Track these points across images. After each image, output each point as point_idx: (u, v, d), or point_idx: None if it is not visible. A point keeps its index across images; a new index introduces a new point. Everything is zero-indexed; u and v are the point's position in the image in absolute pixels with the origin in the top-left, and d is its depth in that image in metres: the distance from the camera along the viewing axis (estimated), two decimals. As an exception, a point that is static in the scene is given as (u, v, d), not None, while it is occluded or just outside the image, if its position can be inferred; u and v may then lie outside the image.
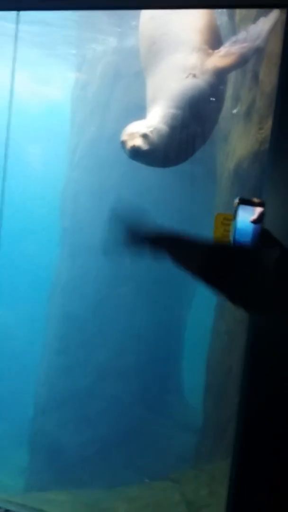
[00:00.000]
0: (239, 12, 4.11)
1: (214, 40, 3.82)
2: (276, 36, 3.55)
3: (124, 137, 3.61)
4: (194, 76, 3.68)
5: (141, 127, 3.60)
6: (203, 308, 5.60)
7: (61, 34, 6.79)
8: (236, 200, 1.69)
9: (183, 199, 5.56)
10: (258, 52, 3.88)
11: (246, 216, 1.69)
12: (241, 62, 3.83)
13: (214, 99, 3.79)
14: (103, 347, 5.91)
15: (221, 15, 4.59)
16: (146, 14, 4.07)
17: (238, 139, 4.37)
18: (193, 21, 3.79)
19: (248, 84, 4.16)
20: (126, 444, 5.82)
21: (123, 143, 3.60)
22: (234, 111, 4.49)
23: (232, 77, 4.55)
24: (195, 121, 3.71)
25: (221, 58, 3.71)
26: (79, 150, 6.37)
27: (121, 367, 5.89)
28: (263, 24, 3.68)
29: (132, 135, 3.58)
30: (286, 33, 2.11)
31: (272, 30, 3.65)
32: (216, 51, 3.73)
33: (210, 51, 3.74)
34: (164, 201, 5.66)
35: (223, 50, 3.72)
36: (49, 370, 6.21)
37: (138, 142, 3.54)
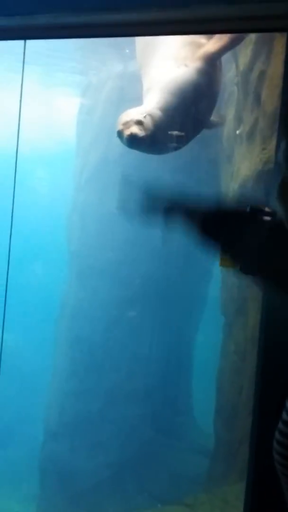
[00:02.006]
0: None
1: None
2: (278, 58, 3.61)
3: (119, 126, 3.64)
4: (186, 66, 3.75)
5: (135, 114, 3.64)
6: (211, 328, 5.58)
7: (66, 61, 6.93)
8: (247, 210, 1.67)
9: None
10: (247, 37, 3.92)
11: None
12: (232, 44, 3.88)
13: (208, 84, 3.84)
14: (113, 370, 5.88)
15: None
16: None
17: (242, 160, 4.40)
18: None
19: (250, 105, 4.22)
20: (138, 468, 5.74)
21: (119, 133, 3.64)
22: (237, 132, 4.54)
23: (234, 99, 4.61)
24: (190, 106, 3.75)
25: (212, 43, 3.78)
26: (85, 174, 6.43)
27: (131, 390, 5.85)
28: None
29: (127, 124, 3.61)
30: (287, 55, 2.15)
31: None
32: (210, 41, 3.80)
33: (203, 41, 3.81)
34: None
35: (216, 37, 3.79)
36: (59, 394, 6.17)
37: (134, 129, 3.57)
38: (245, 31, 3.20)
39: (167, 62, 3.83)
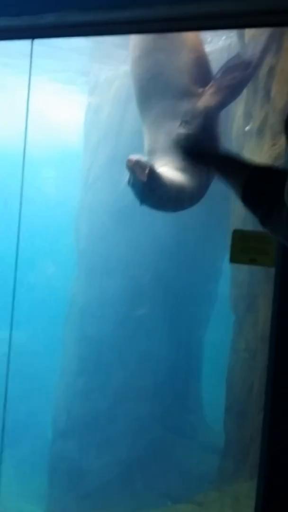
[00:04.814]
0: (247, 32, 4.16)
1: (204, 76, 3.81)
2: (287, 53, 3.59)
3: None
4: (187, 123, 3.71)
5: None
6: (221, 326, 5.56)
7: (73, 59, 6.93)
8: None
9: (198, 216, 5.57)
10: (250, 80, 3.91)
11: None
12: (233, 95, 3.86)
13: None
14: (122, 369, 5.88)
15: (228, 35, 4.63)
16: (135, 52, 4.09)
17: (251, 156, 4.38)
18: (180, 59, 3.80)
19: (260, 101, 4.19)
20: (147, 466, 5.74)
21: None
22: (247, 128, 4.52)
23: (243, 95, 4.59)
24: (192, 170, 3.75)
25: (211, 96, 3.72)
26: (93, 173, 6.43)
27: (141, 388, 5.84)
28: (254, 48, 3.72)
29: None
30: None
31: (264, 53, 3.69)
32: (207, 87, 3.74)
33: (200, 90, 3.75)
34: (179, 218, 5.67)
35: (214, 85, 3.72)
36: (67, 393, 6.18)
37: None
38: (254, 26, 3.19)
39: (166, 118, 3.77)
